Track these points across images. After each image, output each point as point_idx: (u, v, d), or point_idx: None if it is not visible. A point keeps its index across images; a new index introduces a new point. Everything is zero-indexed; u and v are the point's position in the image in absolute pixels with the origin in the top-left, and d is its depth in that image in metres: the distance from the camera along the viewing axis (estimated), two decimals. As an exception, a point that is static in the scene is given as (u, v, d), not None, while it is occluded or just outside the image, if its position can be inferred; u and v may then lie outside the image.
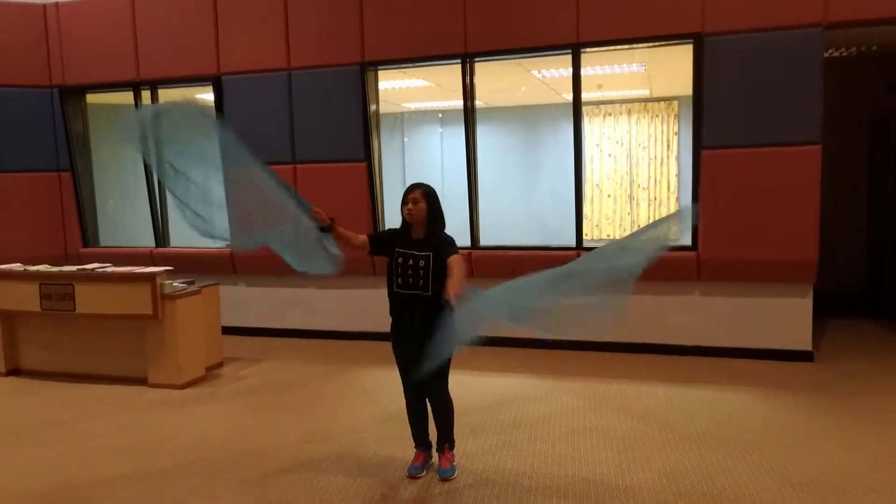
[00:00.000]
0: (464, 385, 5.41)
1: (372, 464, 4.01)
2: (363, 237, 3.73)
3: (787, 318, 5.87)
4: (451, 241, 3.64)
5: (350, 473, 3.88)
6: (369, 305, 6.80)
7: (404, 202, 3.64)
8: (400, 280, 3.61)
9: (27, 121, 7.68)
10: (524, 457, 4.06)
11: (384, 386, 5.46)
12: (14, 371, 6.09)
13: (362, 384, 5.61)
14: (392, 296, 3.68)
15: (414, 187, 3.66)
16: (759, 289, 5.89)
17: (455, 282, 3.32)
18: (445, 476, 3.76)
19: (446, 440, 3.84)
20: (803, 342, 5.86)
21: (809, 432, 4.36)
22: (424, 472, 3.83)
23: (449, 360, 3.56)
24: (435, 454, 3.91)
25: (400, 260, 3.61)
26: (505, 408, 4.94)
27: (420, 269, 3.55)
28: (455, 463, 3.85)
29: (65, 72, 7.68)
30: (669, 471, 3.82)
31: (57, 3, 7.60)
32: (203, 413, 5.03)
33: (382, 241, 3.75)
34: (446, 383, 3.73)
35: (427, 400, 3.80)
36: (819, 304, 5.95)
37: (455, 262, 3.46)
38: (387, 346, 3.83)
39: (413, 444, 3.92)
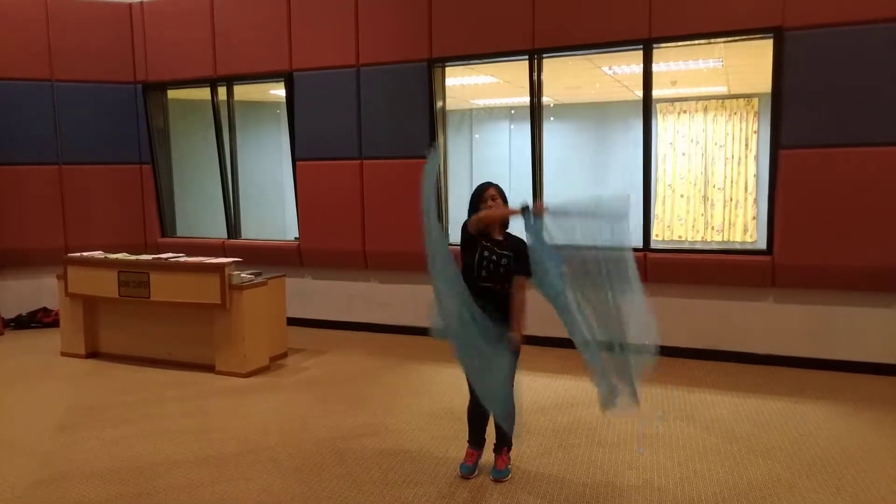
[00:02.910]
0: (522, 385, 5.34)
1: (425, 461, 4.00)
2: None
3: (871, 328, 5.51)
4: (525, 246, 3.63)
5: (403, 471, 3.89)
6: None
7: (482, 200, 3.65)
8: (484, 273, 3.63)
9: (113, 115, 8.09)
10: (580, 462, 3.97)
11: (440, 382, 5.46)
12: (93, 354, 6.42)
13: (420, 379, 5.62)
14: (473, 288, 3.60)
15: (488, 185, 3.70)
16: (840, 297, 5.55)
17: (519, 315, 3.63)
18: (500, 477, 3.72)
19: (506, 443, 3.81)
20: (888, 355, 5.49)
21: (890, 452, 4.07)
22: (476, 472, 3.79)
23: (516, 362, 3.64)
24: (488, 454, 3.87)
25: (486, 254, 3.62)
26: (563, 410, 4.85)
27: (502, 266, 3.62)
28: (510, 465, 3.80)
29: (148, 68, 8.04)
30: (733, 485, 3.65)
31: (141, 3, 7.96)
32: (265, 402, 5.17)
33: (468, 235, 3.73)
34: (513, 385, 3.69)
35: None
36: (906, 316, 5.57)
37: (522, 287, 3.64)
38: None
39: (466, 443, 3.89)
